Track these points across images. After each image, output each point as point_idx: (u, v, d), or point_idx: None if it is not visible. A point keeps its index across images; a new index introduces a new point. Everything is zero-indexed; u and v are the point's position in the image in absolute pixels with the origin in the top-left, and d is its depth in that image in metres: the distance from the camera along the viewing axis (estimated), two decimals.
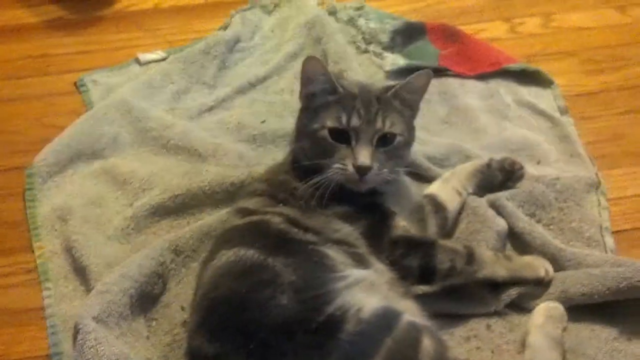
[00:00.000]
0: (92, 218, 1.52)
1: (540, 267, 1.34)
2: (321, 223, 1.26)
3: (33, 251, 1.49)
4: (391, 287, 1.20)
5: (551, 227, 1.45)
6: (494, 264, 1.32)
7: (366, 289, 1.14)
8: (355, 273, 1.17)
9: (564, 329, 1.27)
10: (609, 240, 1.45)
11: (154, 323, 1.34)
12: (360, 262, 1.21)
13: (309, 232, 1.23)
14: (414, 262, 1.27)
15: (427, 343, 1.07)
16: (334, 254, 1.19)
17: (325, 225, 1.26)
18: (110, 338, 1.19)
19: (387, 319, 1.08)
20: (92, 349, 1.15)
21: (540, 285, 1.33)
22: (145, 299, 1.33)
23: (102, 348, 1.16)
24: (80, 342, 1.17)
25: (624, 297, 1.27)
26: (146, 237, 1.49)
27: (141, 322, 1.32)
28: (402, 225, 1.32)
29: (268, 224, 1.25)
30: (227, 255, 1.19)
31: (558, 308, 1.29)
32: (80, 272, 1.43)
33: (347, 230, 1.27)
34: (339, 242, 1.23)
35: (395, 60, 1.89)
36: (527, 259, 1.37)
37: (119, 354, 1.16)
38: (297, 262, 1.15)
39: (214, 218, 1.46)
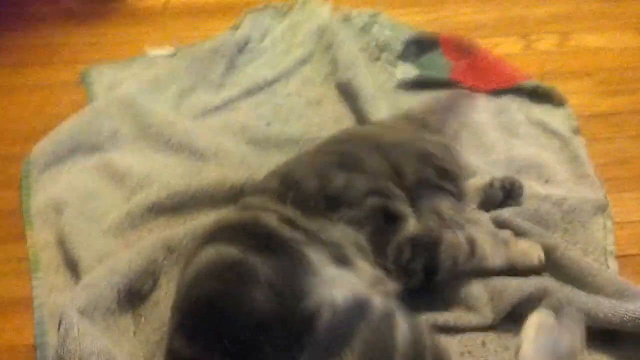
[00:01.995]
0: (87, 211, 1.49)
1: (535, 255, 1.35)
2: (319, 225, 1.23)
3: (25, 241, 1.46)
4: (373, 285, 1.17)
5: None
6: (494, 256, 1.32)
7: (343, 285, 1.11)
8: (332, 271, 1.14)
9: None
10: (612, 264, 1.40)
11: (142, 320, 1.30)
12: (341, 261, 1.18)
13: (298, 231, 1.20)
14: (418, 265, 1.25)
15: (402, 325, 1.04)
16: (314, 253, 1.16)
17: (322, 227, 1.23)
18: (93, 331, 1.17)
19: (359, 305, 1.06)
20: (74, 341, 1.13)
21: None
22: (134, 296, 1.31)
23: (85, 340, 1.13)
24: (63, 333, 1.15)
25: (624, 330, 1.23)
26: (141, 233, 1.45)
27: (128, 318, 1.29)
28: (413, 225, 1.29)
29: (257, 221, 1.22)
30: (209, 253, 1.17)
31: (550, 316, 1.24)
32: (72, 265, 1.39)
33: (346, 233, 1.24)
34: (326, 244, 1.20)
35: (407, 70, 1.86)
36: (524, 246, 1.36)
37: (100, 347, 1.14)
38: (275, 260, 1.13)
39: (210, 219, 1.42)
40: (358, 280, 1.16)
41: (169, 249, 1.36)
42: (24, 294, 1.37)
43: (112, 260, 1.32)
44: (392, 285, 1.22)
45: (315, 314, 1.05)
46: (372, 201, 1.29)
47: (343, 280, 1.14)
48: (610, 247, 1.43)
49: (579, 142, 1.68)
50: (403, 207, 1.33)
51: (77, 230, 1.44)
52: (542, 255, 1.35)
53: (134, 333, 1.27)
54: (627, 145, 1.70)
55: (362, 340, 1.01)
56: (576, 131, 1.71)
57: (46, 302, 1.34)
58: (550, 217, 1.45)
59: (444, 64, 1.87)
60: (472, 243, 1.31)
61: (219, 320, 1.07)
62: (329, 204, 1.26)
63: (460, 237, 1.31)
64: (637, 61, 1.93)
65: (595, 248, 1.42)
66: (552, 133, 1.71)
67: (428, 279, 1.27)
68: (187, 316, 1.12)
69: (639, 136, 1.72)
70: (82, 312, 1.20)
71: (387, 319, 1.05)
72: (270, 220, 1.22)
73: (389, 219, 1.29)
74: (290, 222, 1.22)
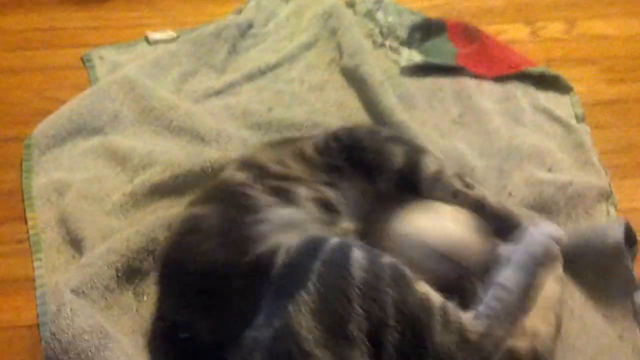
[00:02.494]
0: (90, 192, 1.49)
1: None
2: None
3: (26, 222, 1.45)
4: (322, 226, 1.17)
5: None
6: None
7: (294, 229, 1.12)
8: (280, 212, 1.15)
9: None
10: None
11: (145, 297, 1.31)
12: (287, 200, 1.19)
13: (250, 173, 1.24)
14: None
15: (357, 254, 1.02)
16: (257, 193, 1.18)
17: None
18: (86, 310, 1.17)
19: (313, 244, 1.04)
20: (66, 320, 1.14)
21: None
22: (133, 273, 1.31)
23: (77, 319, 1.14)
24: (56, 312, 1.16)
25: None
26: (144, 215, 1.45)
27: (130, 295, 1.30)
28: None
29: (228, 181, 1.26)
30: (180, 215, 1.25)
31: None
32: (75, 245, 1.39)
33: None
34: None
35: (411, 56, 1.85)
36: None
37: (93, 325, 1.14)
38: (224, 207, 1.16)
39: None
40: (306, 218, 1.17)
41: (170, 228, 1.35)
42: (24, 274, 1.37)
43: (110, 240, 1.32)
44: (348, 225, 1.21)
45: (270, 259, 1.05)
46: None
47: (294, 224, 1.14)
48: None
49: (583, 130, 1.67)
50: None
51: (81, 211, 1.43)
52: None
53: (137, 310, 1.27)
54: (632, 133, 1.69)
55: (316, 278, 1.00)
56: (581, 119, 1.71)
57: (48, 283, 1.34)
58: (553, 201, 1.45)
59: (450, 50, 1.86)
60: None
61: (177, 273, 1.14)
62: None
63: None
64: None
65: None
66: (557, 120, 1.70)
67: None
68: (160, 276, 1.21)
69: None
70: (77, 292, 1.21)
71: (342, 253, 1.03)
72: (240, 176, 1.25)
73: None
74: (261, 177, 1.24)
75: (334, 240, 1.05)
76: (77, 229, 1.39)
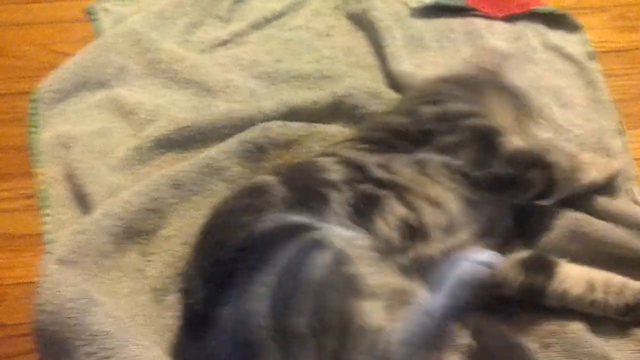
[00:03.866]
0: (95, 147, 1.48)
1: (613, 162, 1.37)
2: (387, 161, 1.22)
3: (33, 177, 1.46)
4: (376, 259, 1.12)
5: None
6: (590, 169, 1.32)
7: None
8: (337, 231, 1.11)
9: None
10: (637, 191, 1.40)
11: (153, 257, 1.30)
12: (365, 215, 1.15)
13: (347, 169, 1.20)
14: (536, 175, 1.22)
15: (326, 255, 1.01)
16: (335, 198, 1.15)
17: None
18: (73, 279, 1.16)
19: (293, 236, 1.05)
20: (49, 291, 1.13)
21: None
22: (137, 235, 1.29)
23: (61, 289, 1.13)
24: (41, 284, 1.15)
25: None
26: (150, 168, 1.44)
27: (133, 256, 1.28)
28: (514, 139, 1.28)
29: (310, 162, 1.24)
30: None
31: None
32: (81, 200, 1.39)
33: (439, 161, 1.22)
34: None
35: None
36: (597, 157, 1.38)
37: (76, 292, 1.13)
38: (291, 196, 1.14)
39: (216, 150, 1.41)
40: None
41: (175, 186, 1.35)
42: (32, 230, 1.38)
43: (106, 202, 1.31)
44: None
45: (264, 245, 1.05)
46: (471, 122, 1.26)
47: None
48: (633, 172, 1.43)
49: (595, 68, 1.67)
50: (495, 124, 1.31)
51: (86, 165, 1.43)
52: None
53: (140, 270, 1.27)
54: None
55: (281, 267, 1.01)
56: (592, 56, 1.70)
57: (57, 238, 1.34)
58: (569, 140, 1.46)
59: None
60: (570, 156, 1.29)
61: (207, 236, 1.16)
62: (422, 137, 1.24)
63: (560, 152, 1.29)
64: None
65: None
66: (568, 58, 1.70)
67: (547, 193, 1.25)
68: (198, 233, 1.20)
69: None
70: (65, 261, 1.19)
71: (311, 249, 1.02)
72: (325, 161, 1.22)
73: (489, 136, 1.25)
74: (349, 163, 1.21)
75: (311, 236, 1.04)
76: (83, 184, 1.39)
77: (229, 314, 1.03)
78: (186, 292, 1.16)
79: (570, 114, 1.54)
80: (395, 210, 1.16)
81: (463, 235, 1.19)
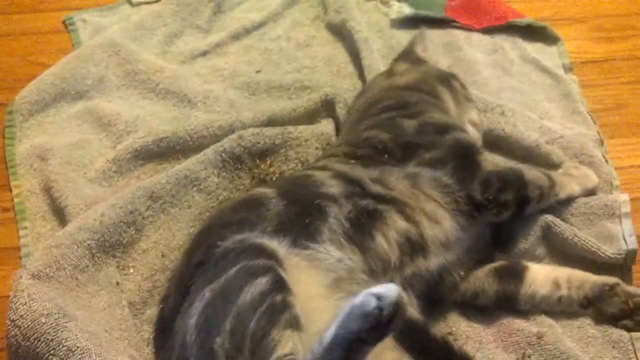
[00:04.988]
0: (73, 159, 1.48)
1: (593, 175, 1.39)
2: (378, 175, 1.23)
3: (10, 190, 1.44)
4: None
5: None
6: (570, 182, 1.35)
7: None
8: (331, 252, 1.11)
9: None
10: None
11: (131, 270, 1.29)
12: (365, 231, 1.15)
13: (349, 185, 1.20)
14: (510, 195, 1.25)
15: (263, 281, 1.00)
16: (334, 212, 1.15)
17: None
18: (46, 294, 1.15)
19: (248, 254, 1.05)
20: (24, 306, 1.12)
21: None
22: (113, 248, 1.28)
23: (34, 304, 1.12)
24: (14, 299, 1.13)
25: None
26: (128, 180, 1.44)
27: (110, 270, 1.27)
28: (489, 157, 1.31)
29: (307, 175, 1.24)
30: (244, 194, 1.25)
31: None
32: (59, 213, 1.38)
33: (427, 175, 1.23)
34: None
35: (401, 8, 1.86)
36: (580, 169, 1.40)
37: (50, 307, 1.11)
38: (288, 211, 1.14)
39: (193, 162, 1.40)
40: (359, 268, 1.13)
41: (152, 197, 1.34)
42: (10, 243, 1.37)
43: (81, 217, 1.30)
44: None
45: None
46: (451, 136, 1.29)
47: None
48: (616, 181, 1.44)
49: (571, 80, 1.68)
50: (473, 139, 1.35)
51: (64, 177, 1.42)
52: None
53: (117, 283, 1.25)
54: (620, 92, 1.69)
55: (218, 284, 1.01)
56: (568, 69, 1.71)
57: (34, 252, 1.33)
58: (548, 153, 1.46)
59: (439, 2, 1.86)
60: (546, 173, 1.32)
61: (196, 243, 1.15)
62: (405, 152, 1.26)
63: (537, 170, 1.32)
64: (630, 8, 1.91)
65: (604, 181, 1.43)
66: (545, 71, 1.71)
67: (520, 209, 1.27)
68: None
69: (632, 82, 1.72)
70: (39, 276, 1.18)
71: (251, 272, 1.02)
72: (320, 175, 1.21)
73: (468, 152, 1.28)
74: (342, 176, 1.21)
75: (259, 262, 1.03)
76: (60, 197, 1.38)
77: (177, 327, 1.04)
78: (164, 298, 1.17)
79: (551, 123, 1.55)
80: (397, 225, 1.16)
81: (457, 250, 1.22)
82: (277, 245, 1.08)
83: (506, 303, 1.24)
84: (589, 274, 1.25)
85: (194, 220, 1.35)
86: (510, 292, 1.23)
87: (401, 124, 1.30)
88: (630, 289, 1.23)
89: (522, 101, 1.61)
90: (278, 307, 0.99)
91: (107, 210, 1.29)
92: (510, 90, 1.64)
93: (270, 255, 1.05)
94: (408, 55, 1.54)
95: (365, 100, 1.45)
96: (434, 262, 1.18)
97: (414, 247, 1.16)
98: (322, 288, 1.07)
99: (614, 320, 1.22)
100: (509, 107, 1.54)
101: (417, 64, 1.51)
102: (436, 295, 1.21)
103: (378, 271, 1.13)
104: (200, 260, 1.08)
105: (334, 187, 1.18)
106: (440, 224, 1.20)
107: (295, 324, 0.98)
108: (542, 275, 1.24)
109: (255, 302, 0.98)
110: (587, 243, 1.28)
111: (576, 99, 1.63)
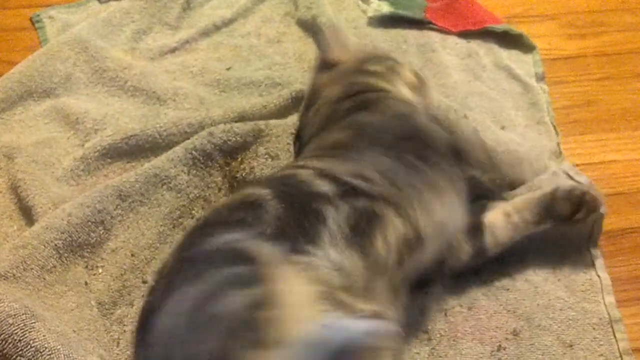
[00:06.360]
0: (40, 158, 1.45)
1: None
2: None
3: None
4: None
5: None
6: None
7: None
8: (330, 254, 1.07)
9: None
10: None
11: (100, 270, 1.28)
12: (364, 233, 1.11)
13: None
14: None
15: (235, 294, 0.95)
16: (331, 215, 1.11)
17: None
18: (13, 294, 1.13)
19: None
20: None
21: None
22: (81, 248, 1.27)
23: (1, 305, 1.10)
24: None
25: None
26: (97, 179, 1.42)
27: (78, 270, 1.25)
28: None
29: (294, 175, 1.19)
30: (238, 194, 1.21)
31: None
32: (26, 212, 1.36)
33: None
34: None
35: (379, 7, 1.84)
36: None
37: (17, 308, 1.10)
38: (284, 212, 1.09)
39: (163, 160, 1.39)
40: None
41: (121, 196, 1.33)
42: None
43: (47, 216, 1.28)
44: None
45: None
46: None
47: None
48: None
49: (540, 89, 1.68)
50: None
51: (31, 177, 1.40)
52: None
53: (86, 283, 1.24)
54: (591, 88, 1.70)
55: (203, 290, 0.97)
56: (540, 78, 1.71)
57: (0, 252, 1.28)
58: (503, 162, 1.43)
59: (419, 3, 1.86)
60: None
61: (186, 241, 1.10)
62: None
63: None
64: (602, 4, 1.91)
65: None
66: (515, 79, 1.70)
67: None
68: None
69: (602, 79, 1.72)
70: (6, 276, 1.17)
71: (233, 282, 0.98)
72: (305, 173, 1.18)
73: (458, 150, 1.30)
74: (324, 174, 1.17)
75: (243, 271, 1.00)
76: (27, 196, 1.36)
77: (161, 324, 0.99)
78: (150, 290, 1.13)
79: (512, 134, 1.54)
80: (396, 228, 1.13)
81: (449, 234, 1.23)
82: (274, 250, 1.04)
83: (478, 257, 1.28)
84: (529, 193, 1.32)
85: (164, 219, 1.34)
86: (479, 245, 1.28)
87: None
88: (567, 186, 1.30)
89: (489, 107, 1.60)
90: (261, 324, 0.94)
91: (75, 210, 1.28)
92: (478, 96, 1.63)
93: (262, 261, 1.02)
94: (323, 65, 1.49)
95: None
96: (430, 250, 1.18)
97: (412, 246, 1.15)
98: (313, 297, 1.04)
99: (569, 221, 1.29)
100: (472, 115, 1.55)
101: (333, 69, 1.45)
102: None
103: (377, 273, 1.10)
104: (190, 256, 1.05)
105: (323, 187, 1.14)
106: (431, 213, 1.18)
107: (277, 344, 0.92)
108: (494, 214, 1.30)
109: (237, 318, 0.94)
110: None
111: (543, 109, 1.63)
